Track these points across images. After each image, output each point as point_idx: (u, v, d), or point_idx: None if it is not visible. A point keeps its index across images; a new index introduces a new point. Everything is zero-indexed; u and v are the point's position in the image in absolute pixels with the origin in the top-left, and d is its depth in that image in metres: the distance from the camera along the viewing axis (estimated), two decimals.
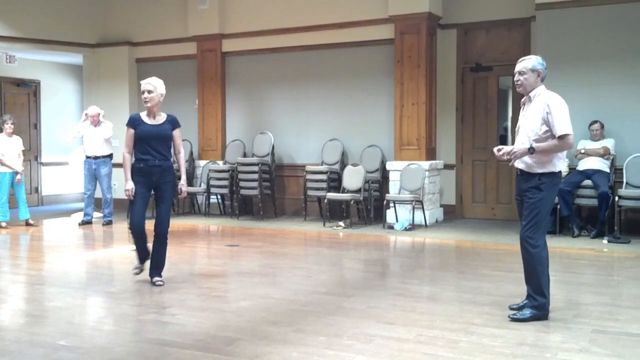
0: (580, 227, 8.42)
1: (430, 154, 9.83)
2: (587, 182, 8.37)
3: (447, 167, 10.17)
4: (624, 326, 4.44)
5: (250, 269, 6.58)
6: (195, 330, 4.38)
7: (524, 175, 4.70)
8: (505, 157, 4.69)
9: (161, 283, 5.78)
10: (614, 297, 5.31)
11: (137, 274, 5.96)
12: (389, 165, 9.83)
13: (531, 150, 4.55)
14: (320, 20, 10.44)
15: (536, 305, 4.63)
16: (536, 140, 4.59)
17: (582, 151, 8.50)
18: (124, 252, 7.57)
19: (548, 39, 8.94)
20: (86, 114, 9.98)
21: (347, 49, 10.41)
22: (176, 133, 5.86)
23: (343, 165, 10.23)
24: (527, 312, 4.62)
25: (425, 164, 9.55)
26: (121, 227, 9.79)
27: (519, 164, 4.71)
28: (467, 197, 10.28)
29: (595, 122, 8.54)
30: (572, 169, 8.65)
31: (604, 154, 8.40)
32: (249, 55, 11.22)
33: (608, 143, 8.47)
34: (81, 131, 9.99)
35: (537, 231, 4.65)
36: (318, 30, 10.50)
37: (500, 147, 4.77)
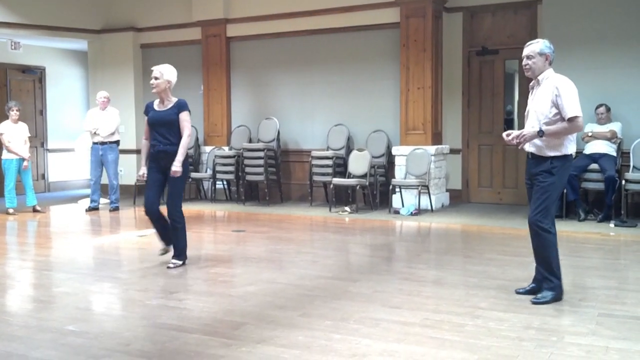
0: (587, 211, 8.41)
1: (436, 139, 9.80)
2: (594, 165, 8.34)
3: (453, 151, 10.14)
4: (631, 309, 4.44)
5: (257, 254, 6.59)
6: (203, 315, 4.40)
7: (534, 158, 4.70)
8: (514, 142, 4.68)
9: (171, 266, 5.85)
10: (621, 281, 5.30)
11: (161, 254, 6.07)
12: (395, 150, 9.81)
13: (540, 133, 4.55)
14: (325, 5, 10.38)
15: (553, 287, 4.65)
16: (546, 124, 4.59)
17: (590, 134, 8.46)
18: (130, 238, 7.60)
19: (555, 22, 8.87)
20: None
21: (353, 33, 10.36)
22: (182, 116, 5.86)
23: (349, 150, 10.22)
24: (547, 295, 4.64)
25: (431, 149, 9.52)
26: (128, 213, 9.83)
27: (529, 148, 4.70)
28: (473, 182, 10.26)
29: (601, 105, 8.49)
30: (578, 153, 8.59)
31: (611, 137, 8.37)
32: (253, 40, 11.18)
33: (615, 126, 8.42)
34: (90, 125, 10.01)
35: (547, 215, 4.66)
36: (323, 15, 10.45)
37: (509, 131, 4.76)
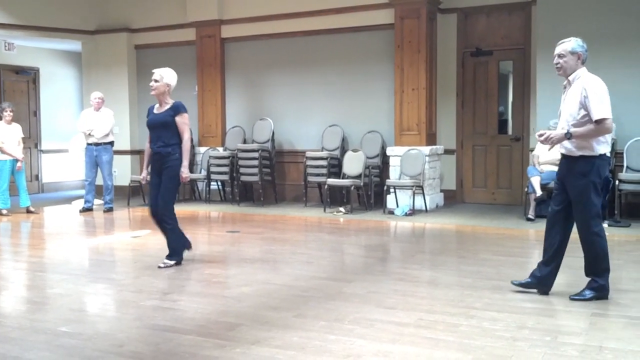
0: None
1: (431, 139, 9.81)
2: None
3: (447, 152, 10.16)
4: (624, 309, 4.46)
5: (251, 255, 6.59)
6: (197, 316, 4.40)
7: (565, 158, 4.70)
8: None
9: (162, 265, 5.87)
10: (614, 281, 5.28)
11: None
12: (389, 151, 9.82)
13: (568, 136, 4.53)
14: (319, 6, 10.39)
15: (596, 287, 4.68)
16: (574, 125, 4.56)
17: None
18: (125, 239, 7.58)
19: (549, 23, 8.90)
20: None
21: (347, 34, 10.37)
22: (179, 119, 5.89)
23: (343, 151, 10.22)
24: (587, 293, 4.67)
25: (426, 149, 9.54)
26: (122, 214, 9.81)
27: (560, 149, 4.71)
28: (467, 182, 10.28)
29: None
30: None
31: None
32: (248, 41, 11.17)
33: None
34: (84, 126, 9.98)
35: (592, 217, 4.62)
36: (318, 16, 10.45)
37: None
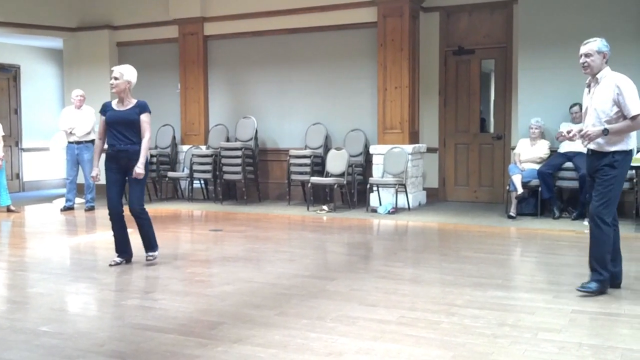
0: (561, 209, 8.51)
1: (413, 138, 9.84)
2: (569, 164, 8.44)
3: (430, 150, 10.20)
4: (603, 306, 4.50)
5: (234, 253, 6.58)
6: (178, 315, 4.38)
7: (595, 154, 4.85)
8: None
9: (151, 258, 5.89)
10: None
11: (112, 265, 5.94)
12: (373, 149, 9.84)
13: (605, 132, 4.69)
14: (303, 3, 10.38)
15: (601, 280, 4.78)
16: (607, 122, 4.75)
17: (564, 134, 8.54)
18: (106, 237, 7.53)
19: (530, 22, 8.97)
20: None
21: (330, 32, 10.37)
22: (143, 117, 5.87)
23: (327, 149, 10.22)
24: (592, 285, 4.78)
25: (408, 148, 9.57)
26: (103, 213, 9.70)
27: (591, 145, 4.85)
28: (449, 180, 10.33)
29: (575, 104, 8.57)
30: (553, 152, 8.71)
31: None
32: (231, 39, 11.14)
33: None
34: (65, 124, 9.88)
35: (608, 208, 4.79)
36: (301, 14, 10.44)
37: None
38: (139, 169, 5.78)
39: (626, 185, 8.15)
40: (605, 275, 4.78)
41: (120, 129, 5.84)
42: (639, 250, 6.78)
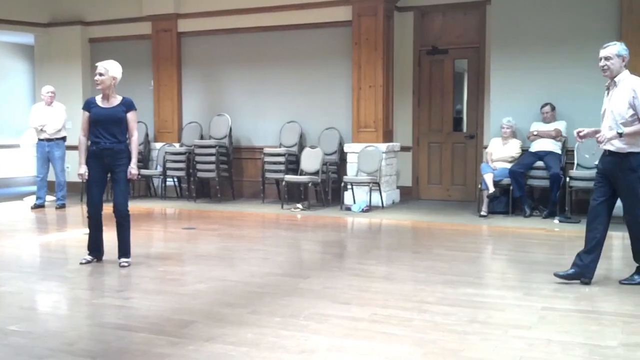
0: (532, 207, 8.61)
1: (387, 136, 9.89)
2: (539, 163, 8.54)
3: (403, 149, 10.25)
4: (573, 303, 4.57)
5: (207, 251, 6.55)
6: (150, 314, 4.35)
7: (612, 155, 4.97)
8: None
9: (125, 264, 5.77)
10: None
11: (83, 263, 5.86)
12: (347, 148, 9.86)
13: (621, 134, 4.84)
14: (277, 1, 10.35)
15: None
16: (623, 124, 4.86)
17: (535, 133, 8.67)
18: (77, 235, 7.45)
19: (503, 23, 9.07)
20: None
21: (305, 30, 10.37)
22: (130, 116, 5.80)
23: (301, 147, 10.22)
24: (636, 278, 5.05)
25: (383, 146, 9.61)
26: (75, 211, 9.63)
27: (607, 146, 4.99)
28: (423, 179, 10.39)
29: (546, 104, 8.71)
30: (524, 151, 8.82)
31: (556, 135, 8.58)
32: (205, 36, 11.08)
33: (560, 125, 8.65)
34: (36, 121, 9.74)
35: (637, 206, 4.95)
36: (275, 12, 10.42)
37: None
38: (134, 169, 5.75)
39: None
40: None
41: (106, 127, 5.72)
42: (607, 248, 6.87)
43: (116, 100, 5.82)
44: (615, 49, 4.94)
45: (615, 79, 4.96)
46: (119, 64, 5.91)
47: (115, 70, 5.81)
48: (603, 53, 4.97)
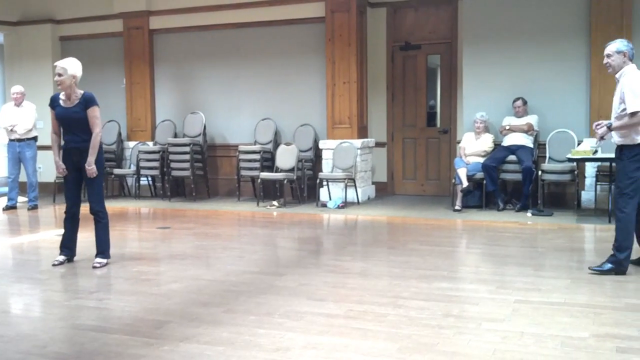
0: (505, 201, 8.70)
1: (362, 132, 9.91)
2: (512, 157, 8.63)
3: (378, 145, 10.29)
4: (545, 295, 4.62)
5: (182, 251, 6.51)
6: (123, 315, 4.32)
7: (617, 147, 5.23)
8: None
9: (97, 265, 5.71)
10: (537, 268, 5.51)
11: (56, 264, 5.80)
12: (322, 144, 9.87)
13: (610, 127, 5.11)
14: None
15: (614, 261, 5.14)
16: (617, 118, 5.10)
17: (507, 127, 8.75)
18: (50, 237, 7.36)
19: (474, 18, 9.13)
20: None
21: (278, 27, 10.34)
22: (90, 112, 5.65)
23: (276, 144, 10.20)
24: (606, 266, 5.17)
25: (357, 142, 9.63)
26: (47, 212, 9.51)
27: (613, 138, 5.23)
28: (397, 174, 10.44)
29: (518, 98, 8.79)
30: (497, 145, 8.90)
31: (528, 129, 8.67)
32: (178, 33, 10.99)
33: (531, 119, 8.74)
34: (5, 122, 9.58)
35: (621, 196, 5.13)
36: (249, 8, 10.37)
37: (598, 122, 5.28)
38: (89, 166, 5.62)
39: (567, 177, 8.41)
40: (618, 256, 5.13)
41: (68, 127, 5.68)
42: (580, 240, 7.01)
43: (77, 98, 5.67)
44: (615, 46, 5.10)
45: (617, 75, 5.13)
46: (79, 61, 5.77)
47: (74, 69, 5.65)
48: (605, 51, 5.17)
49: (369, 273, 5.44)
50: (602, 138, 5.22)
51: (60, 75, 5.60)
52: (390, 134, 10.38)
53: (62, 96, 5.74)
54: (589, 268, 5.24)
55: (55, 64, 5.76)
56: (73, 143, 5.69)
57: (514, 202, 8.69)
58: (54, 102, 5.77)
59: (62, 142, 5.83)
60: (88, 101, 5.68)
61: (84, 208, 5.93)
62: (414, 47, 10.12)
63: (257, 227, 8.02)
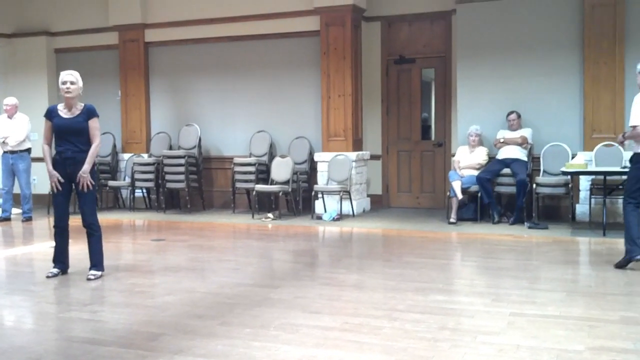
0: (500, 213, 8.71)
1: (357, 145, 9.93)
2: (506, 170, 8.65)
3: (373, 157, 10.30)
4: (541, 308, 4.62)
5: (177, 263, 6.49)
6: (118, 327, 4.29)
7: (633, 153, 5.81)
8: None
9: (91, 277, 5.67)
10: (532, 281, 5.52)
11: (48, 277, 5.76)
12: (317, 157, 9.88)
13: (624, 136, 5.84)
14: (245, 11, 10.35)
15: (626, 250, 5.72)
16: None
17: (501, 140, 8.79)
18: (44, 249, 7.33)
19: (468, 32, 9.19)
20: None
21: (273, 40, 10.38)
22: (92, 123, 5.71)
23: (271, 156, 10.21)
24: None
25: (352, 155, 9.65)
26: (41, 224, 9.47)
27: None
28: (392, 187, 10.45)
29: (512, 112, 8.83)
30: (491, 158, 8.93)
31: (522, 143, 8.71)
32: (173, 46, 11.02)
33: (525, 132, 8.78)
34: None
35: (627, 194, 5.80)
36: (244, 21, 10.42)
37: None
38: (85, 173, 5.60)
39: (562, 190, 8.43)
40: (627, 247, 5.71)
41: (67, 137, 5.67)
42: (575, 253, 7.02)
43: (78, 109, 5.73)
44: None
45: None
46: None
47: (81, 80, 5.81)
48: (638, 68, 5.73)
49: (364, 286, 5.43)
50: (621, 143, 6.02)
51: (72, 83, 5.68)
52: (385, 147, 10.40)
53: (61, 107, 5.77)
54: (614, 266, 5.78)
55: (65, 72, 5.81)
56: (70, 152, 5.66)
57: (509, 214, 8.70)
58: (51, 113, 5.76)
59: (54, 152, 5.80)
60: (90, 112, 5.74)
61: (73, 220, 5.90)
62: (408, 61, 10.17)
63: (252, 240, 8.00)
